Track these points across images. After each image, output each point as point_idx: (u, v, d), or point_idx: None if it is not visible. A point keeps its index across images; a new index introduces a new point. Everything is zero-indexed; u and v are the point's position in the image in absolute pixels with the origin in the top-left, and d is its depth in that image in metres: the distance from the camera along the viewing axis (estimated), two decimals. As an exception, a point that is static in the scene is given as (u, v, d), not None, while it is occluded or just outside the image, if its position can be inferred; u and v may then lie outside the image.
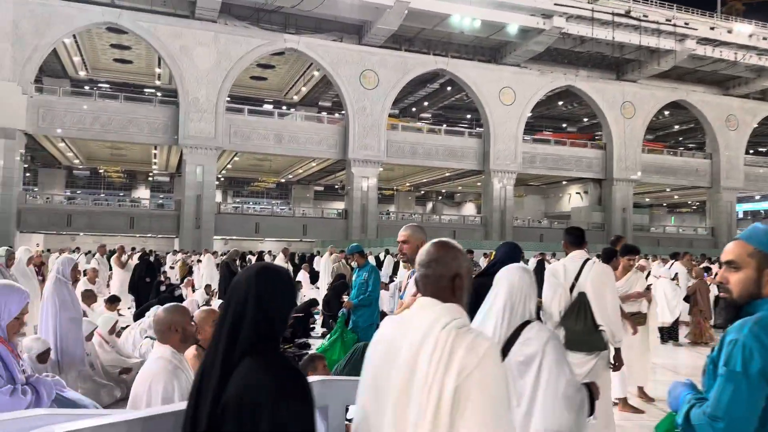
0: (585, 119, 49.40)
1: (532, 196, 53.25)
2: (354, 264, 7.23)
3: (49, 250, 25.84)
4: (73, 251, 20.54)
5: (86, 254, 21.84)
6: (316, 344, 8.99)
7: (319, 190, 52.79)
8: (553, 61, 39.80)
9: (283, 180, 50.47)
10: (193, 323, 2.91)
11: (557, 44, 36.98)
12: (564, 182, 49.01)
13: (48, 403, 2.40)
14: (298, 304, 10.77)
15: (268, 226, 38.19)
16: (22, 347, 4.75)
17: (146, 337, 6.23)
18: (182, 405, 1.69)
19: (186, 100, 33.80)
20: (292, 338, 8.67)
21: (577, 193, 48.78)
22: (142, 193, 48.88)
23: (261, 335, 1.55)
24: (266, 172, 47.47)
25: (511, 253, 4.00)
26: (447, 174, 44.91)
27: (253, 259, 18.84)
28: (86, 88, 37.79)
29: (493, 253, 4.40)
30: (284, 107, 43.36)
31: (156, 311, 6.90)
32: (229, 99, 35.48)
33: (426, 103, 47.29)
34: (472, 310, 3.86)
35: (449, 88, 42.39)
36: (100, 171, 47.08)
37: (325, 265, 13.47)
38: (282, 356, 1.58)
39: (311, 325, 10.59)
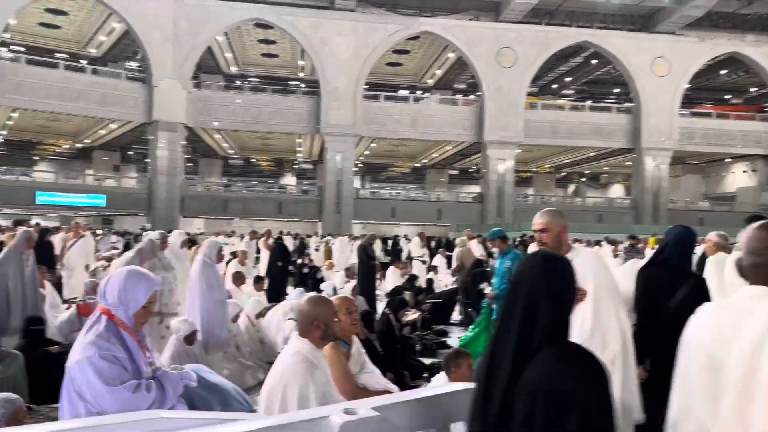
0: (752, 89, 43.81)
1: (690, 176, 48.47)
2: (495, 250, 6.81)
3: (202, 233, 28.08)
4: (229, 235, 22.08)
5: (241, 237, 23.41)
6: (454, 333, 8.71)
7: (453, 174, 52.25)
8: (714, 27, 35.63)
9: (418, 165, 50.60)
10: (337, 319, 2.72)
11: (719, 7, 33.00)
12: (727, 160, 44.02)
13: (173, 400, 2.30)
14: (436, 290, 10.54)
15: (403, 210, 38.56)
16: (168, 331, 4.95)
17: (289, 318, 6.33)
18: (318, 411, 1.69)
19: (326, 90, 34.99)
20: (430, 325, 8.45)
21: (743, 171, 43.57)
22: (289, 180, 51.55)
23: (556, 324, 1.56)
24: (401, 157, 47.85)
25: (684, 239, 3.35)
26: (591, 154, 42.24)
27: (374, 245, 18.97)
28: (237, 82, 40.45)
29: (652, 239, 3.73)
30: (419, 92, 43.29)
31: (299, 298, 7.06)
32: (366, 87, 36.12)
33: (568, 79, 44.69)
34: (644, 307, 3.33)
35: (594, 62, 39.66)
36: (252, 160, 50.34)
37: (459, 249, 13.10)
38: (579, 346, 1.58)
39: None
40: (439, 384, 3.45)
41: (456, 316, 10.20)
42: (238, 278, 8.22)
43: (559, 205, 38.59)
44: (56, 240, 11.72)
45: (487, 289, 7.32)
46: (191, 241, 12.19)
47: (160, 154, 33.93)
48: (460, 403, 1.79)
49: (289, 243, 19.21)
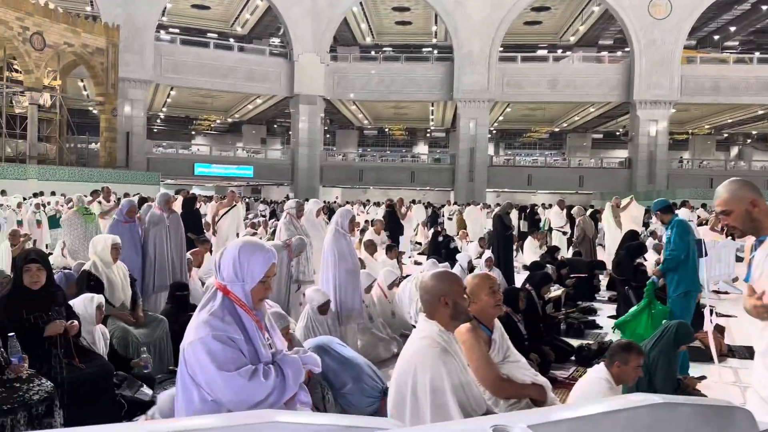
0: None
1: None
2: (654, 221, 5.98)
3: (348, 202, 28.82)
4: (365, 203, 22.43)
5: (376, 205, 23.70)
6: (603, 309, 7.97)
7: (597, 138, 48.92)
8: None
9: (556, 129, 48.00)
10: (465, 296, 2.34)
11: None
12: None
13: (294, 388, 2.04)
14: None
15: (540, 177, 36.92)
16: (304, 299, 4.88)
17: (421, 291, 6.08)
18: (460, 425, 1.41)
19: (460, 54, 34.16)
20: (575, 301, 7.78)
21: None
22: (421, 148, 51.53)
23: None
24: (539, 121, 45.65)
25: None
26: (760, 112, 37.28)
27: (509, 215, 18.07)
28: (372, 53, 40.73)
29: None
30: (559, 51, 40.74)
31: (424, 276, 6.78)
32: (501, 49, 34.70)
33: (732, 29, 39.55)
34: None
35: (765, 8, 34.61)
36: (386, 130, 50.88)
37: (606, 219, 12.03)
38: None
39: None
40: (599, 377, 2.95)
41: (604, 292, 9.36)
42: (370, 246, 8.11)
43: (719, 171, 34.74)
44: (208, 209, 12.49)
45: (649, 264, 6.52)
46: (330, 210, 12.41)
47: (301, 127, 35.35)
48: (647, 424, 1.34)
49: (422, 212, 19.05)
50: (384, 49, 42.46)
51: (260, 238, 13.48)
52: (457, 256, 8.26)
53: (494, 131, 46.93)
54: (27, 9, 23.22)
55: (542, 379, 2.81)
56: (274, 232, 10.99)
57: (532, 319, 5.02)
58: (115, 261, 4.62)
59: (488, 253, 7.93)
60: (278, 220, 14.29)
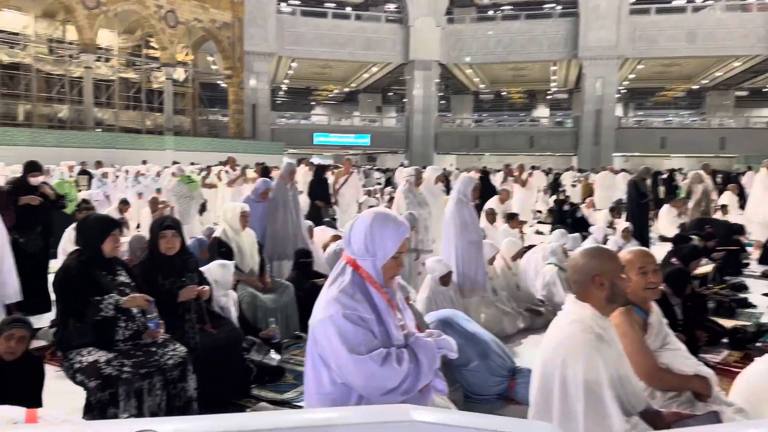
0: None
1: None
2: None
3: (458, 169, 28.35)
4: (481, 170, 21.84)
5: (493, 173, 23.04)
6: (756, 286, 7.10)
7: (741, 95, 44.02)
8: None
9: (695, 86, 43.76)
10: (624, 275, 2.01)
11: None
12: None
13: (429, 375, 1.85)
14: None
15: (675, 140, 34.02)
16: (424, 268, 4.70)
17: (549, 263, 5.69)
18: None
19: (586, 8, 32.02)
20: (721, 276, 6.98)
21: None
22: (541, 112, 49.39)
23: None
24: (674, 78, 41.82)
25: None
26: None
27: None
28: (490, 12, 39.25)
29: None
30: (699, 0, 36.86)
31: (560, 241, 6.34)
32: (632, 0, 32.01)
33: None
34: None
35: None
36: (503, 93, 49.23)
37: (762, 182, 10.68)
38: None
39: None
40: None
41: (756, 266, 8.35)
42: (491, 215, 7.78)
43: None
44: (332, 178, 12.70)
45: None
46: (447, 178, 12.14)
47: (416, 93, 35.11)
48: None
49: (542, 178, 18.22)
50: (503, 8, 40.75)
51: (374, 206, 13.57)
52: (591, 229, 7.69)
53: (624, 90, 43.79)
54: (161, -12, 24.76)
55: (706, 370, 2.42)
56: (391, 200, 11.00)
57: (681, 297, 4.50)
58: (244, 228, 4.72)
59: (625, 223, 7.30)
60: (394, 188, 14.33)
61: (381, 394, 1.77)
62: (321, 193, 9.68)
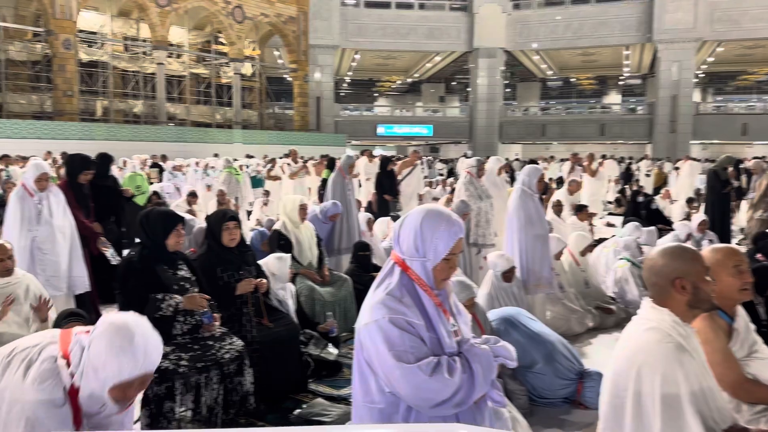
0: None
1: None
2: None
3: (517, 159, 27.66)
4: (547, 160, 21.24)
5: (561, 162, 22.37)
6: None
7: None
8: None
9: (781, 69, 40.87)
10: (708, 278, 1.80)
11: None
12: None
13: (485, 386, 1.70)
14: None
15: (758, 126, 31.89)
16: (485, 263, 4.53)
17: (621, 258, 5.38)
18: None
19: (661, -11, 30.47)
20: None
21: None
22: (613, 98, 47.49)
23: None
24: (758, 61, 39.10)
25: None
26: None
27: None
28: (556, -3, 37.99)
29: None
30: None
31: (633, 234, 5.99)
32: (714, -23, 30.19)
33: None
34: None
35: None
36: (572, 80, 47.65)
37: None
38: None
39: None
40: None
41: None
42: (557, 207, 7.47)
43: None
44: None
45: None
46: (511, 168, 11.79)
47: (480, 82, 34.50)
48: None
49: (614, 168, 17.50)
50: (569, -9, 39.31)
51: (438, 198, 13.40)
52: (674, 225, 7.23)
53: (702, 75, 41.43)
54: (228, -15, 25.36)
55: (800, 382, 2.16)
56: (452, 192, 10.77)
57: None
58: (303, 221, 4.71)
59: (701, 216, 6.83)
60: (456, 179, 14.08)
61: (431, 406, 1.64)
62: (389, 186, 9.50)
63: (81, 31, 21.99)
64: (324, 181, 10.16)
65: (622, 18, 32.77)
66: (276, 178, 13.16)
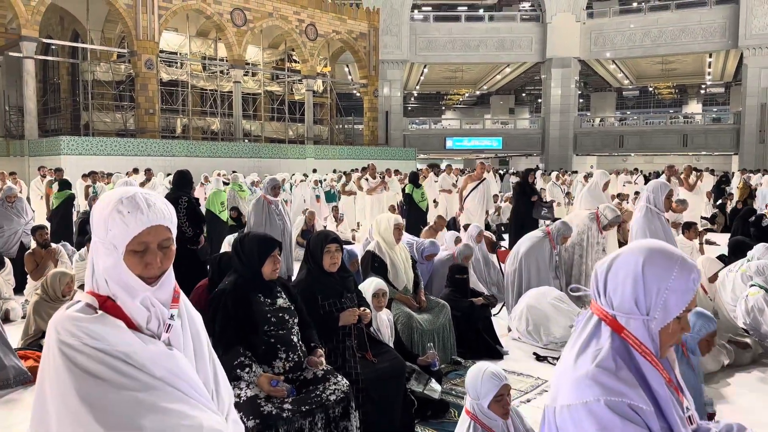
0: None
1: None
2: None
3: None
4: (632, 172, 20.18)
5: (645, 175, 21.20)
6: None
7: None
8: None
9: None
10: None
11: None
12: None
13: None
14: None
15: None
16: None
17: (752, 285, 4.73)
18: None
19: (749, -7, 28.81)
20: None
21: None
22: (694, 107, 45.18)
23: None
24: None
25: None
26: None
27: None
28: (634, 4, 36.57)
29: None
30: None
31: (766, 257, 5.30)
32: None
33: None
34: None
35: None
36: (650, 89, 45.73)
37: None
38: None
39: None
40: None
41: None
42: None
43: None
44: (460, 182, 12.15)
45: None
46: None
47: (554, 92, 33.58)
48: None
49: (710, 181, 16.35)
50: (646, -2, 37.79)
51: (504, 213, 12.75)
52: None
53: (793, 81, 38.79)
54: (302, 3, 25.74)
55: None
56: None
57: None
58: (398, 241, 4.37)
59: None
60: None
61: None
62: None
63: (162, 51, 22.83)
64: (405, 195, 9.86)
65: (704, 24, 31.23)
66: (351, 193, 12.99)
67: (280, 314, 2.74)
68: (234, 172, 14.15)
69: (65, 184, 8.87)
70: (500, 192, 16.93)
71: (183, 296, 1.44)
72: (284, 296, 2.82)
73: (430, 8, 36.95)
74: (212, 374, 1.48)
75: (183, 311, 1.43)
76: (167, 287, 1.36)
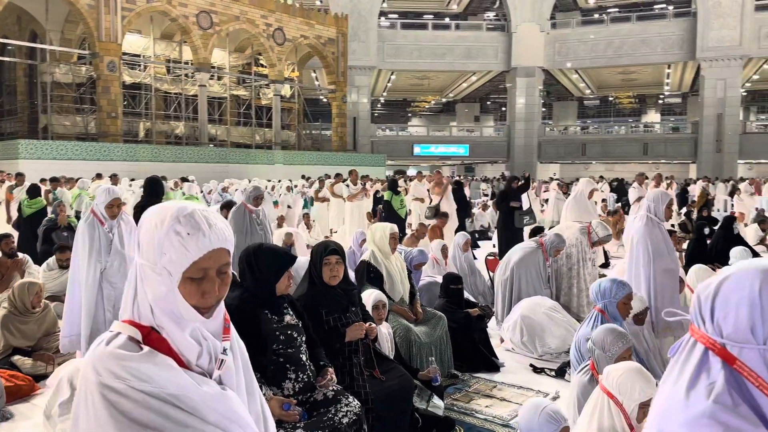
0: None
1: None
2: None
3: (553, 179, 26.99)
4: (598, 180, 20.50)
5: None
6: None
7: None
8: None
9: (833, 86, 39.49)
10: None
11: None
12: None
13: None
14: None
15: (810, 144, 30.79)
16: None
17: None
18: None
19: (705, 7, 29.91)
20: None
21: None
22: (653, 117, 46.48)
23: None
24: (807, 77, 37.91)
25: None
26: None
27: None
28: (596, 15, 37.48)
29: None
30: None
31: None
32: (758, -6, 29.44)
33: None
34: None
35: None
36: (610, 98, 46.84)
37: None
38: None
39: None
40: None
41: None
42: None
43: None
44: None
45: None
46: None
47: (518, 101, 34.05)
48: None
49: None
50: (609, 10, 38.78)
51: (477, 220, 12.75)
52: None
53: (745, 93, 40.36)
54: (270, 7, 25.42)
55: None
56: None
57: None
58: (394, 251, 4.23)
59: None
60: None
61: None
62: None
63: (125, 53, 22.21)
64: (384, 202, 9.73)
65: (664, 36, 32.23)
66: (324, 199, 12.79)
67: (288, 332, 2.56)
68: (185, 179, 13.75)
69: (36, 191, 8.43)
70: (470, 199, 16.99)
71: (232, 326, 1.26)
72: (291, 313, 2.65)
73: (396, 15, 37.08)
74: (261, 413, 1.31)
75: (234, 344, 1.26)
76: (219, 317, 1.19)
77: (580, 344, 3.11)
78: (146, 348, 1.09)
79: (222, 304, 1.20)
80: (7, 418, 3.52)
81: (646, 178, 11.24)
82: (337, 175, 12.78)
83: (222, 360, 1.17)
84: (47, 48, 21.06)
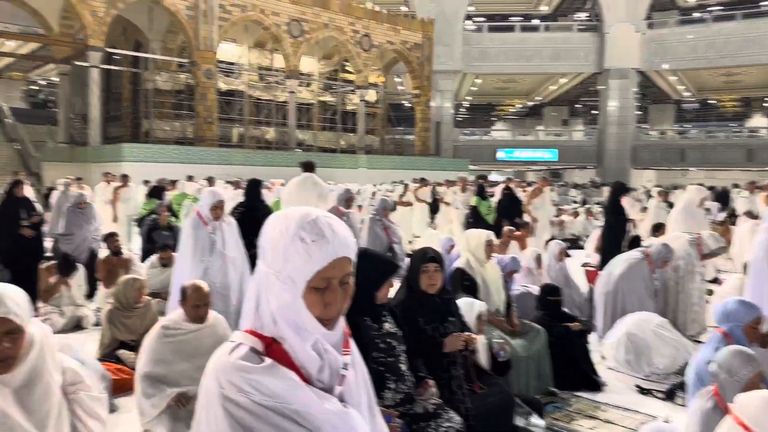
0: None
1: None
2: None
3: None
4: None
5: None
6: None
7: None
8: None
9: None
10: None
11: None
12: None
13: None
14: None
15: None
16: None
17: None
18: None
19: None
20: None
21: None
22: (758, 121, 43.22)
23: None
24: None
25: None
26: None
27: None
28: (695, 15, 35.36)
29: None
30: None
31: None
32: None
33: None
34: None
35: None
36: (710, 101, 44.03)
37: None
38: None
39: None
40: None
41: None
42: None
43: None
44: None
45: None
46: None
47: (611, 104, 32.69)
48: None
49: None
50: (710, 9, 36.46)
51: (567, 228, 12.26)
52: None
53: None
54: (358, 14, 25.81)
55: None
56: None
57: None
58: (489, 259, 4.08)
59: None
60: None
61: None
62: (513, 211, 8.60)
63: (220, 61, 23.23)
64: (471, 208, 9.55)
65: (775, 34, 29.86)
66: (407, 203, 12.74)
67: (388, 340, 2.49)
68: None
69: (154, 193, 9.05)
70: (556, 205, 16.42)
71: (352, 340, 1.19)
72: (391, 320, 2.57)
73: (483, 18, 36.64)
74: None
75: (355, 358, 1.19)
76: (339, 329, 1.13)
77: (701, 367, 2.84)
78: (268, 360, 1.05)
79: (342, 316, 1.14)
80: (113, 410, 3.67)
81: (758, 187, 10.37)
82: (422, 180, 12.70)
83: (343, 375, 1.11)
84: (150, 57, 22.39)
